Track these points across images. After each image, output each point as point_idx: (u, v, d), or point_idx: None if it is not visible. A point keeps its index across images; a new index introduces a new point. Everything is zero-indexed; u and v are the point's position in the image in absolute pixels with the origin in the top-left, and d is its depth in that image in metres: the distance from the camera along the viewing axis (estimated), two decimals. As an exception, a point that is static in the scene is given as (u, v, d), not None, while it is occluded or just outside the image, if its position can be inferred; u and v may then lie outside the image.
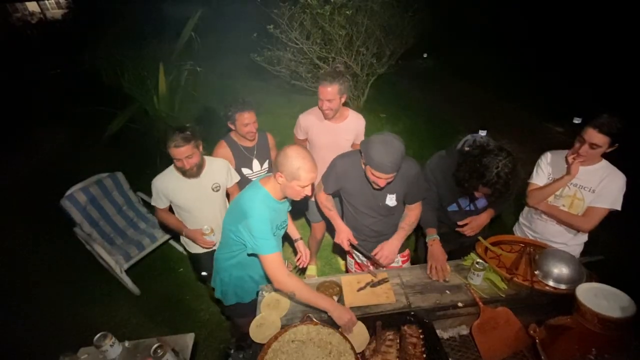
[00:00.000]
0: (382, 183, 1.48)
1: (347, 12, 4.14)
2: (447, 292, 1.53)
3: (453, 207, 1.83)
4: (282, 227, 1.63)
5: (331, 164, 1.77)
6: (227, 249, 1.61)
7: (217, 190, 2.02)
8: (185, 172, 1.86)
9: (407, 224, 1.75)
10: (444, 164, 1.75)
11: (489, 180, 1.43)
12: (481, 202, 1.81)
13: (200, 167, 1.90)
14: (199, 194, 1.96)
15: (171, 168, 1.93)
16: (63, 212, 2.67)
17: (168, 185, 1.91)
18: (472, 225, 1.79)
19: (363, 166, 1.55)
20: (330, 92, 2.00)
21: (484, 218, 1.80)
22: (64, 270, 3.04)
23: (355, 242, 1.80)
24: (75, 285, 2.88)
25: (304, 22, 4.26)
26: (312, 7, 4.05)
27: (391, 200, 1.68)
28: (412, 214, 1.76)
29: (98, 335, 1.40)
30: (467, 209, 1.82)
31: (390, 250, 1.72)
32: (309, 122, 2.26)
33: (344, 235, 1.79)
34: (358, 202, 1.75)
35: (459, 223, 1.80)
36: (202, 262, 2.19)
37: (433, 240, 1.73)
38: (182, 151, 1.76)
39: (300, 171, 1.33)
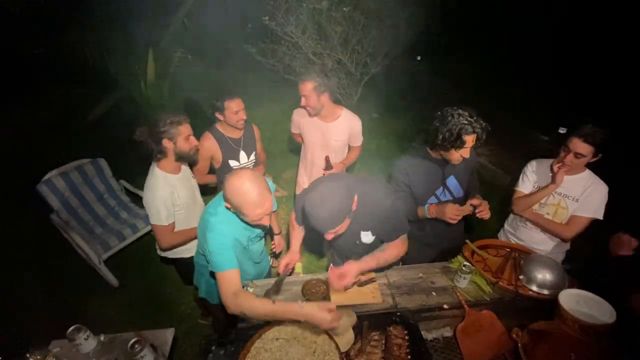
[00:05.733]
0: (329, 237, 1.32)
1: (345, 9, 4.11)
2: (433, 293, 1.54)
3: (432, 200, 1.80)
4: (256, 239, 1.58)
5: (298, 197, 1.64)
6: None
7: (194, 177, 2.02)
8: (189, 156, 1.76)
9: (381, 257, 1.47)
10: (414, 161, 1.74)
11: (469, 127, 1.49)
12: (452, 184, 1.78)
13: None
14: (188, 185, 1.90)
15: (159, 173, 1.73)
16: (40, 197, 2.55)
17: (173, 190, 1.73)
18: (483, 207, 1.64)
19: None
20: (304, 88, 1.99)
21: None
22: (39, 258, 2.91)
23: (289, 270, 1.62)
24: (49, 275, 2.76)
25: (301, 16, 4.20)
26: (309, 1, 4.00)
27: (366, 237, 1.54)
28: (392, 248, 1.50)
29: (72, 328, 1.33)
30: (444, 198, 1.79)
31: (344, 269, 1.37)
32: (301, 118, 2.23)
33: (288, 259, 1.62)
34: (333, 241, 1.58)
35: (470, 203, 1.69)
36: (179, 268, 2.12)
37: (428, 206, 1.73)
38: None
39: (244, 209, 1.22)
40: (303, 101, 2.04)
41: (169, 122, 1.64)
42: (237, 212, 1.27)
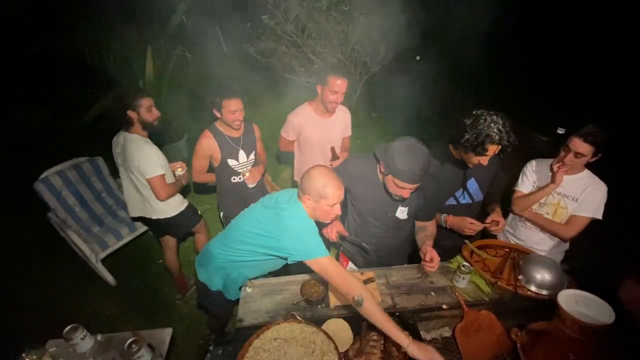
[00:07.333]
0: (406, 194, 1.40)
1: (344, 8, 4.11)
2: (432, 293, 1.54)
3: (451, 201, 1.80)
4: None
5: (345, 160, 1.75)
6: (245, 253, 1.51)
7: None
8: (152, 125, 2.03)
9: (431, 235, 1.67)
10: (434, 161, 1.70)
11: (497, 136, 1.43)
12: (473, 188, 1.77)
13: None
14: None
15: (135, 137, 1.99)
16: (36, 196, 2.54)
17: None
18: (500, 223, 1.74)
19: (381, 175, 1.50)
20: (344, 85, 2.03)
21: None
22: (35, 257, 2.89)
23: (345, 234, 1.70)
24: (46, 274, 2.74)
25: (300, 15, 4.19)
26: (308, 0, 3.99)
27: (402, 213, 1.60)
28: (432, 225, 1.71)
29: (68, 327, 1.32)
30: (463, 201, 1.80)
31: (432, 254, 1.56)
32: (300, 120, 2.22)
33: (335, 227, 1.69)
34: (364, 209, 1.68)
35: (487, 220, 1.75)
36: (177, 222, 2.27)
37: (446, 216, 1.77)
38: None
39: (327, 189, 1.32)
40: (333, 97, 2.04)
41: (133, 93, 1.94)
42: (319, 197, 1.34)
